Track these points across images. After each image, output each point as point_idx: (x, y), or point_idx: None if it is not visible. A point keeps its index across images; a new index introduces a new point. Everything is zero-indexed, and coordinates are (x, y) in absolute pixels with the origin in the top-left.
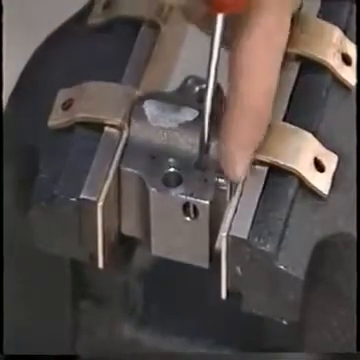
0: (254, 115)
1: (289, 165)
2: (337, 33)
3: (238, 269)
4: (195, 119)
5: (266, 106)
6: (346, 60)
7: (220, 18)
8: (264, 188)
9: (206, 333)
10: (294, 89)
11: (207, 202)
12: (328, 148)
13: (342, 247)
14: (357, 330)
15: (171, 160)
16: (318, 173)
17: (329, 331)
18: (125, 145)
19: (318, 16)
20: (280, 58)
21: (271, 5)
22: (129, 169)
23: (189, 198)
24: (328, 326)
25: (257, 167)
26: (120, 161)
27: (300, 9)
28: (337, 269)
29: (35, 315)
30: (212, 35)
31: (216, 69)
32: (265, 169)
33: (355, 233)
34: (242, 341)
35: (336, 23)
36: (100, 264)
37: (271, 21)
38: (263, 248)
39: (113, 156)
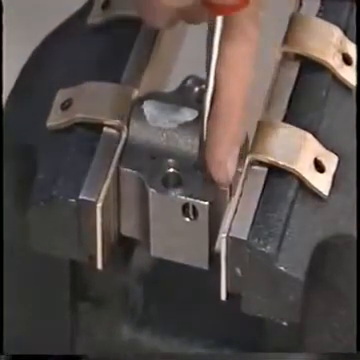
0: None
1: (289, 166)
2: (337, 33)
3: (238, 270)
4: (194, 119)
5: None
6: (346, 60)
7: (219, 20)
8: (264, 189)
9: (206, 333)
10: (294, 89)
11: (207, 203)
12: (328, 148)
13: (342, 248)
14: (357, 330)
15: (170, 161)
16: (318, 174)
17: (330, 332)
18: (124, 146)
19: (318, 16)
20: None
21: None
22: (128, 170)
23: (189, 199)
24: (329, 327)
25: (257, 168)
26: (119, 162)
27: (300, 9)
28: (337, 270)
29: (34, 316)
30: (212, 36)
31: (216, 69)
32: (265, 170)
33: (355, 234)
34: (242, 341)
35: (336, 23)
36: (99, 265)
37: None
38: (263, 249)
39: (112, 157)
